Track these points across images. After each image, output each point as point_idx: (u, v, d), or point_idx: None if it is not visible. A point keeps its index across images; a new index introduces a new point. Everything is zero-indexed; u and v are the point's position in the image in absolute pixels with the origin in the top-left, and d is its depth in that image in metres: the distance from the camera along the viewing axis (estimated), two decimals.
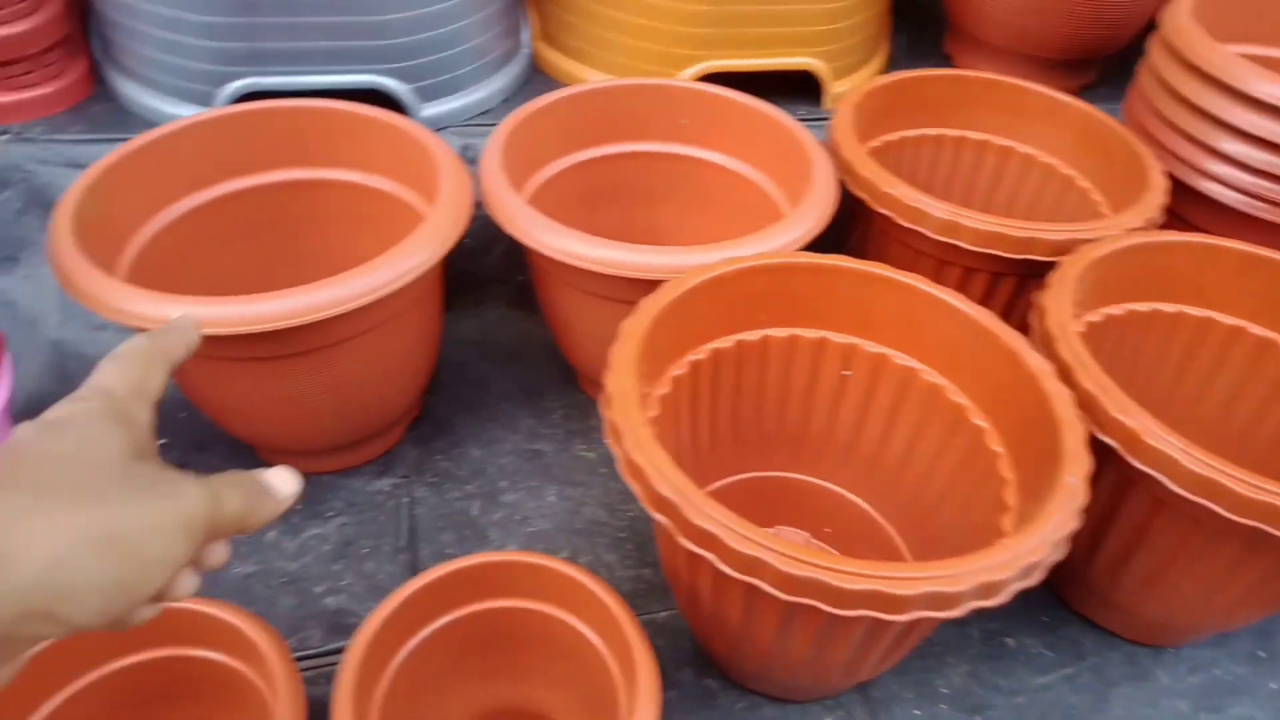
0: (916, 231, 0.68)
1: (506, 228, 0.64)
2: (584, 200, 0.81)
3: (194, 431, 0.72)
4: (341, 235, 0.74)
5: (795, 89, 0.92)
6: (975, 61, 1.01)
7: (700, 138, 0.80)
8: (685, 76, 0.87)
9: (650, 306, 0.55)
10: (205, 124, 0.68)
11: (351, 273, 0.55)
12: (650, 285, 0.56)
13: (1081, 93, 1.01)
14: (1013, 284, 0.71)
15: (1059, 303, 0.59)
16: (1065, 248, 0.66)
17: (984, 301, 0.72)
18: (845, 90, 0.94)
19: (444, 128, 0.83)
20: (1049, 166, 0.83)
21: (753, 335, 0.61)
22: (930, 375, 0.60)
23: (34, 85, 0.77)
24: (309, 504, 0.68)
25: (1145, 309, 0.67)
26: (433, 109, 0.82)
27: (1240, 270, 0.66)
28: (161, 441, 0.72)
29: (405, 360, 0.66)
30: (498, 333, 0.84)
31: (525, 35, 0.93)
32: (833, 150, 0.73)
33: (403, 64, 0.78)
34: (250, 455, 0.71)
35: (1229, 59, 0.71)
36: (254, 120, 0.69)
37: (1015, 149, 0.85)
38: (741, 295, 0.59)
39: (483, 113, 0.86)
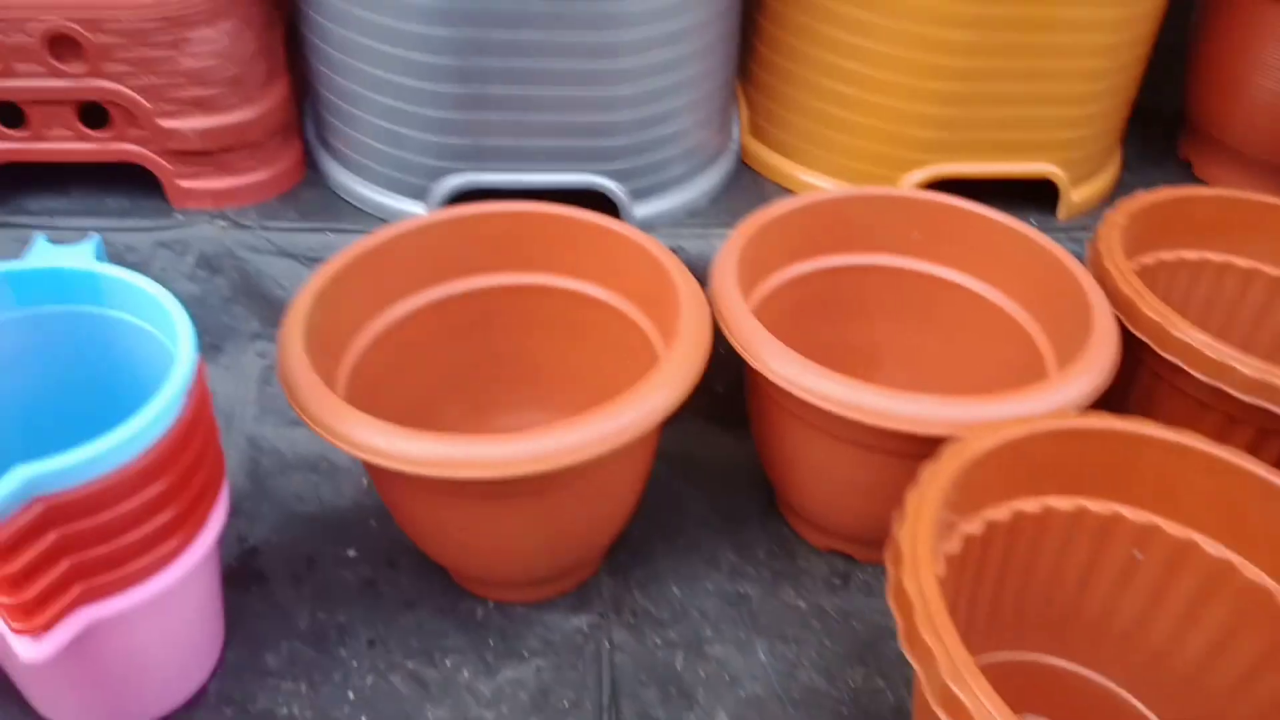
0: (1216, 388, 0.59)
1: (743, 352, 0.58)
2: (800, 312, 0.75)
3: (387, 544, 0.68)
4: (551, 343, 0.70)
5: (1022, 196, 0.85)
6: (1220, 171, 0.91)
7: (932, 252, 0.73)
8: (910, 181, 0.80)
9: (941, 471, 0.48)
10: (430, 228, 0.65)
11: (589, 417, 0.50)
12: (898, 435, 0.49)
13: None
14: None
15: None
16: None
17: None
18: (1081, 200, 0.85)
19: (653, 229, 0.78)
20: None
21: (1032, 505, 0.53)
22: (1253, 572, 0.51)
23: (250, 170, 0.76)
24: (504, 639, 0.63)
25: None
26: (644, 209, 0.77)
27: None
28: (349, 553, 0.68)
29: (625, 497, 0.61)
30: (696, 448, 0.78)
31: (735, 129, 0.88)
32: (1100, 278, 0.65)
33: (621, 164, 0.74)
34: (444, 578, 0.66)
35: None
36: (478, 224, 0.65)
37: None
38: (1025, 460, 0.52)
39: (691, 213, 0.81)
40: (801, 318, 0.75)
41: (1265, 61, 0.80)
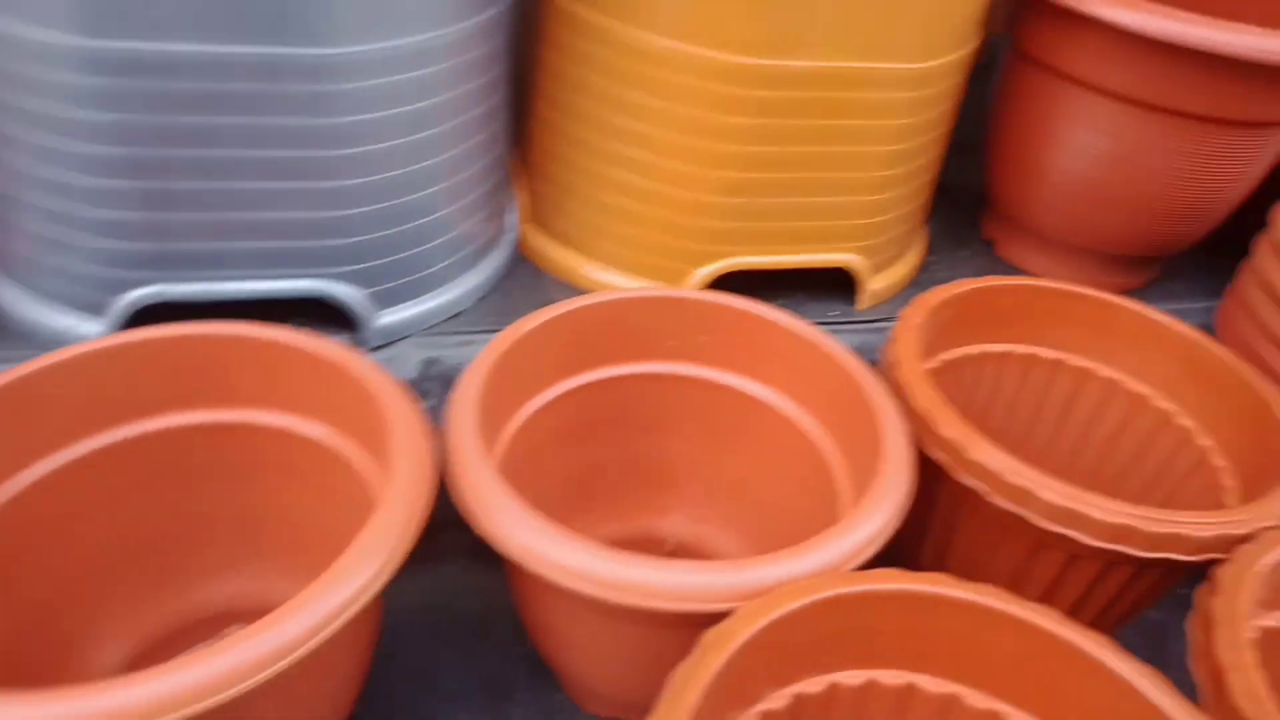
0: (1016, 515, 0.53)
1: (475, 522, 0.47)
2: (580, 431, 0.65)
3: None
4: (263, 493, 0.57)
5: (827, 284, 0.78)
6: (1020, 251, 0.88)
7: (722, 358, 0.65)
8: (702, 275, 0.73)
9: (701, 664, 0.38)
10: (90, 357, 0.51)
11: (260, 628, 0.38)
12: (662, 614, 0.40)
13: (1143, 290, 0.88)
14: (1128, 573, 0.55)
15: (1232, 628, 0.44)
16: (1212, 544, 0.51)
17: (1090, 588, 0.56)
18: (884, 287, 0.80)
19: (405, 337, 0.67)
20: (1139, 396, 0.69)
21: (815, 685, 0.45)
22: None
23: None
24: None
25: None
26: (392, 316, 0.66)
27: None
28: None
29: (333, 696, 0.48)
30: (454, 596, 0.66)
31: (512, 218, 0.78)
32: (895, 389, 0.59)
33: (357, 266, 0.63)
34: None
35: None
36: (155, 351, 0.52)
37: (1095, 371, 0.71)
38: (800, 639, 0.43)
39: (455, 315, 0.70)
40: (581, 437, 0.65)
41: (1061, 142, 0.77)
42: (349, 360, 0.52)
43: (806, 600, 0.42)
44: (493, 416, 0.55)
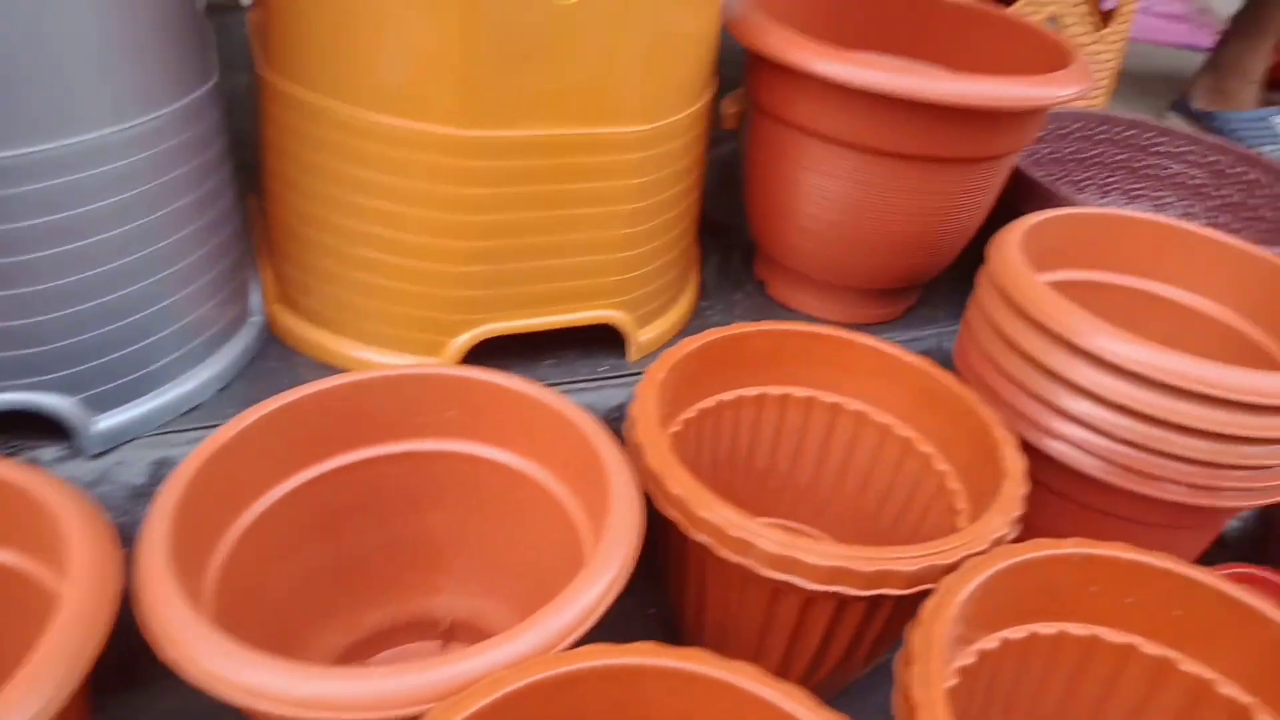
0: (742, 566, 0.53)
1: (160, 651, 0.44)
2: (333, 520, 0.63)
3: None
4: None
5: (601, 338, 0.79)
6: (787, 291, 0.91)
7: (470, 431, 0.64)
8: (458, 344, 0.72)
9: None
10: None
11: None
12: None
13: (906, 317, 0.93)
14: (863, 608, 0.57)
15: (926, 662, 0.46)
16: (922, 576, 0.53)
17: (831, 627, 0.58)
18: (653, 338, 0.81)
19: (131, 439, 0.63)
20: (884, 426, 0.72)
21: None
22: None
23: None
24: None
25: (1022, 634, 0.55)
26: (113, 419, 0.62)
27: (1126, 582, 0.54)
28: None
29: None
30: None
31: (256, 299, 0.75)
32: (634, 449, 0.59)
33: (65, 372, 0.59)
34: None
35: (1068, 312, 0.62)
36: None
37: (844, 406, 0.73)
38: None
39: (192, 409, 0.67)
40: (332, 528, 0.63)
41: (800, 188, 0.81)
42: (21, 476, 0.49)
43: (498, 693, 0.41)
44: (203, 525, 0.52)
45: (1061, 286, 0.77)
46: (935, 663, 0.45)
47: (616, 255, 0.74)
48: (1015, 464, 0.60)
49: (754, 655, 0.62)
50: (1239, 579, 0.73)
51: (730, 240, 1.00)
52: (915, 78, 0.69)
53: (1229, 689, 0.53)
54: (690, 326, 0.87)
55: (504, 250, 0.69)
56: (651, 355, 0.81)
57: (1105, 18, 1.27)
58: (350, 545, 0.65)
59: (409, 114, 0.62)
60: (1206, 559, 0.71)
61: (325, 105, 0.63)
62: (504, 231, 0.68)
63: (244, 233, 0.74)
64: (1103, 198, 1.11)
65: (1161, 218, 0.77)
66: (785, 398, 0.74)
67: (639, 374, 0.79)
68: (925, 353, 0.72)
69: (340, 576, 0.65)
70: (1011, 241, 0.69)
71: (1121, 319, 0.78)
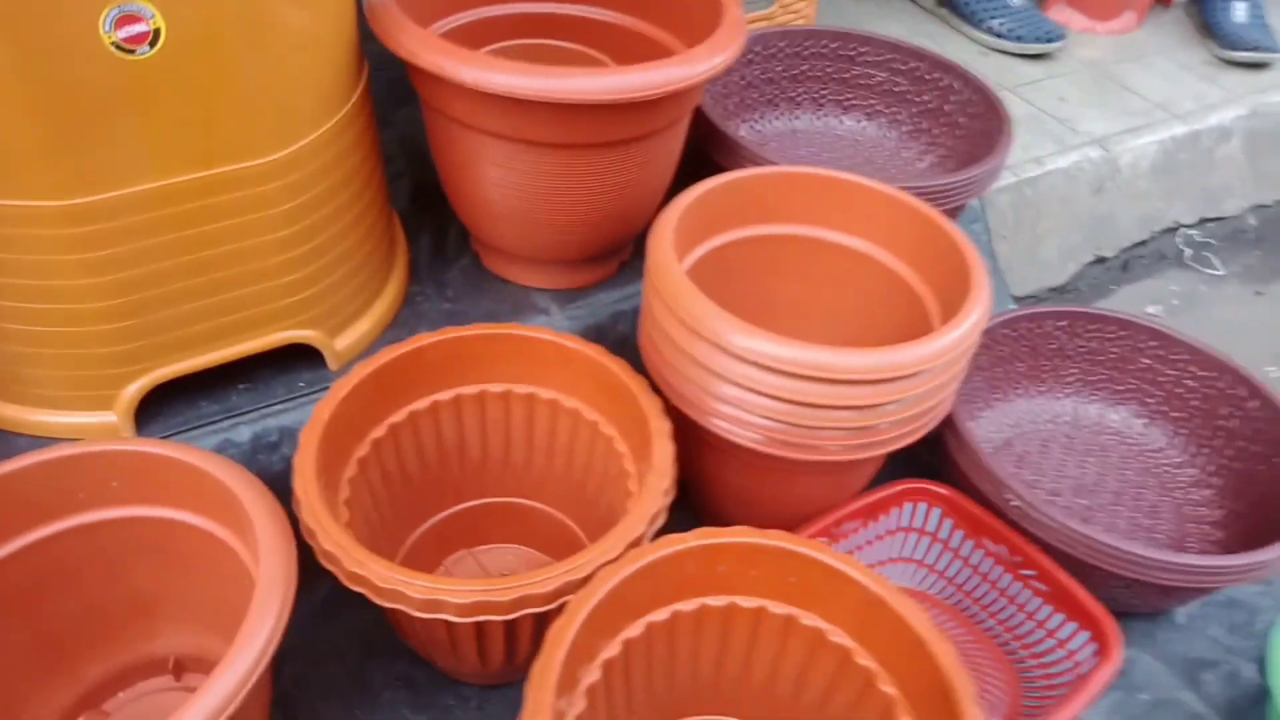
0: (399, 611, 0.57)
1: None
2: (24, 598, 0.63)
3: None
4: None
5: (292, 354, 0.79)
6: (501, 262, 0.92)
7: (143, 497, 0.65)
8: (130, 394, 0.70)
9: None
10: None
11: None
12: None
13: (622, 269, 0.95)
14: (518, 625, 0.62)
15: (539, 692, 0.51)
16: (560, 592, 0.58)
17: (500, 641, 0.63)
18: (353, 342, 0.81)
19: None
20: (573, 411, 0.76)
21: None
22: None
23: None
24: None
25: (665, 615, 0.61)
26: None
27: (744, 561, 0.61)
28: None
29: None
30: None
31: None
32: (296, 503, 0.61)
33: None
34: None
35: (706, 309, 0.65)
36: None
37: (538, 395, 0.77)
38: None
39: None
40: (26, 603, 0.63)
41: (477, 176, 0.80)
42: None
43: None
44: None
45: (741, 242, 0.82)
46: (547, 693, 0.51)
47: (282, 280, 0.73)
48: (663, 457, 0.65)
49: (455, 660, 0.68)
50: (910, 493, 0.82)
51: (442, 214, 0.99)
52: (542, 78, 0.68)
53: (838, 637, 0.61)
54: (400, 318, 0.87)
55: (149, 301, 0.67)
56: (361, 355, 0.82)
57: None
58: (51, 617, 0.66)
59: (7, 195, 0.59)
60: (890, 474, 0.80)
61: None
62: (142, 285, 0.66)
63: None
64: (819, 109, 1.14)
65: (820, 170, 0.80)
66: (483, 394, 0.76)
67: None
68: (637, 310, 0.75)
69: (48, 645, 0.66)
70: (665, 230, 0.71)
71: (796, 265, 0.83)
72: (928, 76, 1.07)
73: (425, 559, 0.80)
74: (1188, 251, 1.33)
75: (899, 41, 1.08)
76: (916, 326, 0.76)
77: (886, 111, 1.11)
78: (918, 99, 1.09)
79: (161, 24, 0.57)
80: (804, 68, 1.11)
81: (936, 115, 1.07)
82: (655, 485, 0.64)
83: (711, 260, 0.80)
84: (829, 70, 1.11)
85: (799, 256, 0.82)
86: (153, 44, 0.57)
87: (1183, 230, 1.35)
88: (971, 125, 1.02)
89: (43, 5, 0.53)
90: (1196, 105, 1.37)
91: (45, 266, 0.62)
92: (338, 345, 0.80)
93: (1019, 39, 1.42)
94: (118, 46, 0.56)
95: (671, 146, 0.84)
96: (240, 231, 0.68)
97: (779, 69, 1.10)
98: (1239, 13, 1.53)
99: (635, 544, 0.60)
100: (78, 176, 0.59)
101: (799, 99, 1.13)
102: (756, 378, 0.64)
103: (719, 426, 0.68)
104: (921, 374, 0.64)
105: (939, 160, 1.07)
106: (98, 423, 0.71)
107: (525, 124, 0.73)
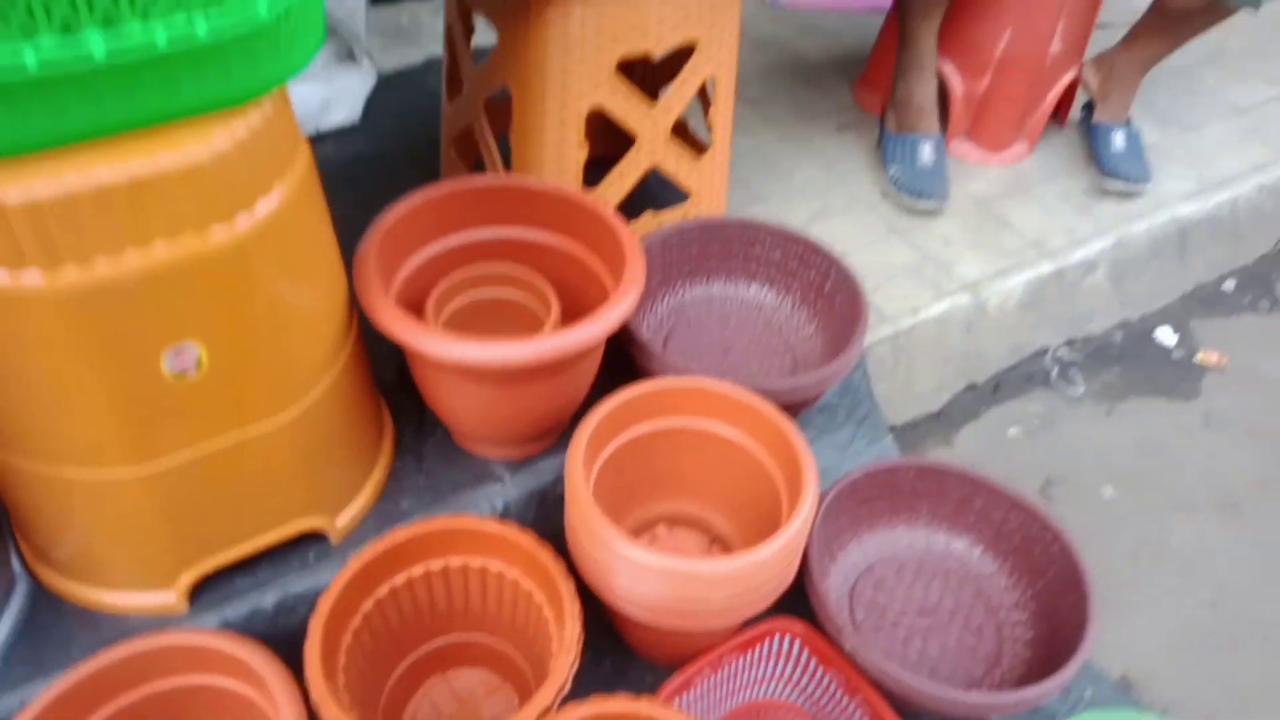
0: None
1: None
2: None
3: None
4: None
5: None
6: (463, 438, 1.15)
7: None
8: (184, 584, 0.95)
9: None
10: None
11: None
12: None
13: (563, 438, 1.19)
14: None
15: None
16: None
17: None
18: (355, 514, 1.06)
19: None
20: (514, 581, 1.00)
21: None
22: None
23: None
24: None
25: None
26: None
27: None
28: None
29: None
30: None
31: (16, 562, 0.96)
32: (306, 684, 0.86)
33: None
34: None
35: (604, 527, 0.90)
36: None
37: (488, 567, 1.01)
38: None
39: None
40: None
41: (451, 395, 1.04)
42: None
43: None
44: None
45: (648, 434, 1.06)
46: None
47: (297, 486, 0.97)
48: (570, 637, 0.90)
49: None
50: (776, 629, 1.06)
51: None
52: (491, 347, 0.92)
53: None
54: (388, 490, 1.12)
55: (196, 514, 0.91)
56: (358, 528, 1.07)
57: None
58: None
59: (88, 463, 0.83)
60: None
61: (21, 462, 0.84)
62: (191, 504, 0.90)
63: None
64: (730, 277, 1.37)
65: (703, 381, 1.04)
66: (445, 568, 1.00)
67: (353, 545, 1.05)
68: None
69: None
70: (579, 446, 0.96)
71: (690, 447, 1.08)
72: (811, 259, 1.31)
73: (410, 682, 1.05)
74: (1054, 370, 1.57)
75: (791, 231, 1.32)
76: (768, 497, 1.02)
77: (781, 282, 1.35)
78: (804, 275, 1.32)
79: (204, 355, 0.81)
80: (715, 247, 1.35)
81: (819, 290, 1.31)
82: (562, 664, 0.88)
83: (626, 448, 1.05)
84: (735, 249, 1.35)
85: (691, 442, 1.07)
86: (198, 368, 0.82)
87: (1051, 351, 1.59)
88: (842, 306, 1.26)
89: (118, 345, 0.77)
90: (1066, 241, 1.60)
91: (120, 505, 0.87)
92: (338, 523, 1.05)
93: (903, 191, 1.62)
94: (173, 373, 0.81)
95: (596, 357, 1.08)
96: (265, 459, 0.92)
97: (695, 250, 1.34)
98: (1118, 141, 1.75)
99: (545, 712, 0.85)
100: (141, 450, 0.84)
101: (713, 270, 1.37)
102: (639, 575, 0.89)
103: (618, 604, 0.93)
104: (761, 575, 0.89)
105: (819, 329, 1.31)
106: (159, 602, 0.96)
107: (478, 373, 0.97)
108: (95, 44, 0.62)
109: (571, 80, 1.09)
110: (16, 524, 0.98)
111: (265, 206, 0.77)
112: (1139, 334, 1.66)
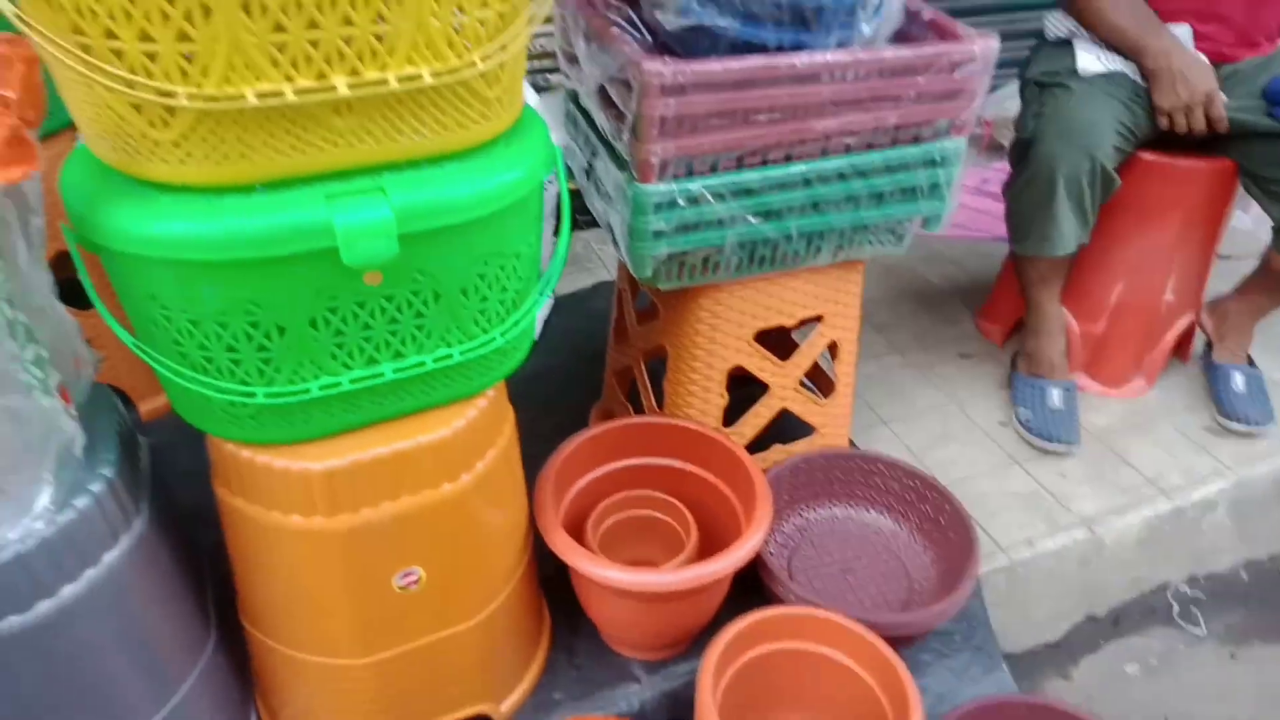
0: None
1: None
2: None
3: None
4: None
5: None
6: (610, 638, 1.35)
7: None
8: None
9: None
10: None
11: None
12: None
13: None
14: None
15: None
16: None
17: None
18: (517, 700, 1.25)
19: None
20: None
21: None
22: None
23: None
24: None
25: None
26: None
27: None
28: None
29: None
30: None
31: None
32: None
33: None
34: None
35: None
36: None
37: None
38: None
39: None
40: None
41: (605, 606, 1.25)
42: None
43: None
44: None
45: (771, 654, 1.21)
46: None
47: (477, 676, 1.18)
48: None
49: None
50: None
51: None
52: (633, 574, 1.13)
53: None
54: (543, 680, 1.31)
55: (400, 694, 1.14)
56: (518, 712, 1.25)
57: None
58: None
59: (326, 654, 1.07)
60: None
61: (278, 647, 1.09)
62: (395, 685, 1.13)
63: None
64: (853, 501, 1.53)
65: (818, 612, 1.20)
66: None
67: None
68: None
69: None
70: (710, 661, 1.13)
71: (806, 671, 1.22)
72: (927, 494, 1.46)
73: None
74: (1176, 607, 1.61)
75: (907, 465, 1.48)
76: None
77: (899, 510, 1.50)
78: (920, 507, 1.47)
79: (424, 574, 1.05)
80: (838, 474, 1.52)
81: (935, 522, 1.45)
82: None
83: (749, 664, 1.20)
84: (856, 477, 1.52)
85: (807, 663, 1.21)
86: (419, 584, 1.05)
87: (1173, 586, 1.63)
88: (956, 540, 1.39)
89: (364, 570, 1.01)
90: (1185, 480, 1.67)
91: (343, 684, 1.10)
92: (502, 709, 1.24)
93: (1034, 433, 1.73)
94: (400, 589, 1.04)
95: (726, 582, 1.26)
96: (456, 653, 1.13)
97: (820, 476, 1.52)
98: (1238, 382, 1.82)
99: None
100: (368, 646, 1.07)
101: (836, 494, 1.53)
102: None
103: None
104: None
105: (935, 559, 1.44)
106: None
107: (627, 593, 1.17)
108: (387, 369, 0.89)
109: (717, 348, 1.32)
110: (258, 687, 1.23)
111: (482, 465, 1.02)
112: (1267, 574, 1.68)
